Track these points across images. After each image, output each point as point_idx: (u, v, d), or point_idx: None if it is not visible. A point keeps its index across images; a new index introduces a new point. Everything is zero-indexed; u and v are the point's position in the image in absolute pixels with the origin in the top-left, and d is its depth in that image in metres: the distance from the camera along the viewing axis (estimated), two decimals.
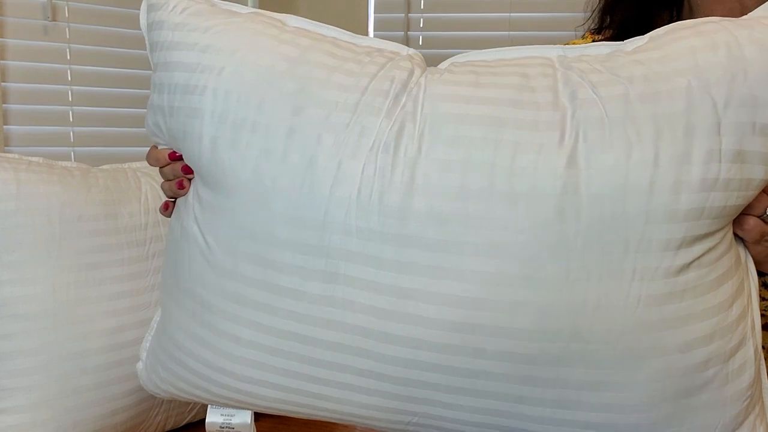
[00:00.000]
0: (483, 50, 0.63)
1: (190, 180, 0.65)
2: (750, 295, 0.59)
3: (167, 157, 0.66)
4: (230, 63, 0.59)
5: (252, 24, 0.62)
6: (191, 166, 0.63)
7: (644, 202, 0.52)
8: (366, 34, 1.86)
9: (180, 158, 0.65)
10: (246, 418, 0.77)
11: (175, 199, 0.68)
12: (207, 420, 0.76)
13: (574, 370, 0.54)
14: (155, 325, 0.73)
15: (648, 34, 0.59)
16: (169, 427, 0.96)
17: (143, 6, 0.67)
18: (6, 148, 1.43)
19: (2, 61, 1.43)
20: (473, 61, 0.61)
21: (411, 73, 0.59)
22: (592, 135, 0.53)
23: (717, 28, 0.55)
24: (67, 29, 1.51)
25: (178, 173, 0.65)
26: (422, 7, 1.87)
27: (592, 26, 0.91)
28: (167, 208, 0.69)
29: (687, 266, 0.54)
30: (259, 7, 1.73)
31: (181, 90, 0.61)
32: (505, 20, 1.84)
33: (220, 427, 0.77)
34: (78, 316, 0.83)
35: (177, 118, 0.62)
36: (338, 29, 0.64)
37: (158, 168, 0.68)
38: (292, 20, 0.64)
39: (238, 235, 0.58)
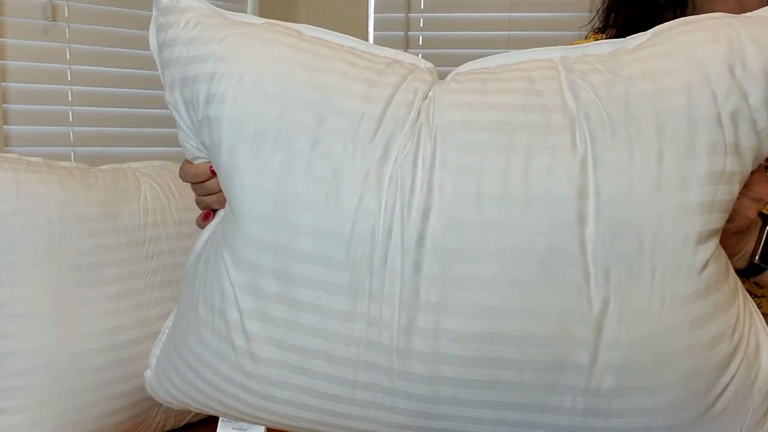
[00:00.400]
0: (485, 58, 0.62)
1: None
2: (737, 278, 0.59)
3: (209, 171, 0.65)
4: (249, 71, 0.58)
5: (268, 33, 0.61)
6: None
7: (654, 199, 0.52)
8: (366, 34, 1.86)
9: None
10: None
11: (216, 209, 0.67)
12: None
13: (603, 377, 0.54)
14: (167, 332, 0.72)
15: (651, 30, 0.59)
16: (168, 427, 0.96)
17: (152, 27, 0.66)
18: (6, 148, 1.43)
19: (2, 61, 1.43)
20: (477, 69, 0.61)
21: (431, 86, 0.59)
22: (597, 136, 0.53)
23: (720, 24, 0.55)
24: (67, 29, 1.51)
25: None
26: (422, 7, 1.87)
27: (598, 25, 0.91)
28: (207, 218, 0.68)
29: (707, 262, 0.54)
30: (260, 7, 1.72)
31: (203, 101, 0.60)
32: (505, 20, 1.83)
33: None
34: (77, 316, 0.83)
35: (201, 130, 0.61)
36: (355, 39, 0.63)
37: (193, 183, 0.67)
38: (309, 30, 0.63)
39: (258, 249, 0.57)
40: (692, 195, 0.52)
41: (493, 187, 0.53)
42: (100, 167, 0.94)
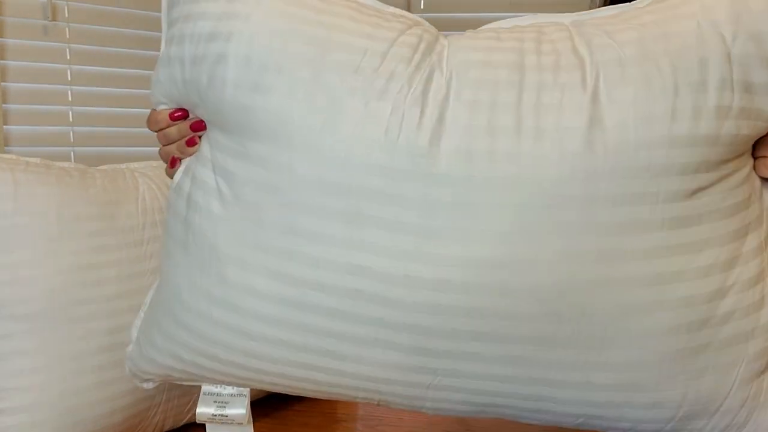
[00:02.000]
0: (497, 21, 0.66)
1: (200, 136, 0.65)
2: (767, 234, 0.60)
3: (168, 117, 0.66)
4: (257, 9, 0.60)
5: None
6: (212, 115, 0.63)
7: (667, 128, 0.54)
8: None
9: (182, 118, 0.66)
10: (241, 407, 0.71)
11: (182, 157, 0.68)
12: (198, 410, 0.72)
13: (604, 297, 0.55)
14: (149, 300, 0.71)
15: None
16: (167, 427, 0.97)
17: None
18: (6, 148, 1.44)
19: (2, 61, 1.43)
20: (489, 28, 0.65)
21: (437, 38, 0.61)
22: (611, 74, 0.55)
23: None
24: (67, 29, 1.51)
25: (185, 132, 0.65)
26: (422, 7, 1.87)
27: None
28: (174, 165, 0.68)
29: (703, 190, 0.56)
30: None
31: (206, 38, 0.61)
32: None
33: (212, 416, 0.72)
34: (77, 317, 0.84)
35: (199, 66, 0.62)
36: None
37: (156, 132, 0.68)
38: None
39: (259, 178, 0.58)
40: (702, 126, 0.55)
41: (506, 120, 0.55)
42: (98, 167, 0.94)
